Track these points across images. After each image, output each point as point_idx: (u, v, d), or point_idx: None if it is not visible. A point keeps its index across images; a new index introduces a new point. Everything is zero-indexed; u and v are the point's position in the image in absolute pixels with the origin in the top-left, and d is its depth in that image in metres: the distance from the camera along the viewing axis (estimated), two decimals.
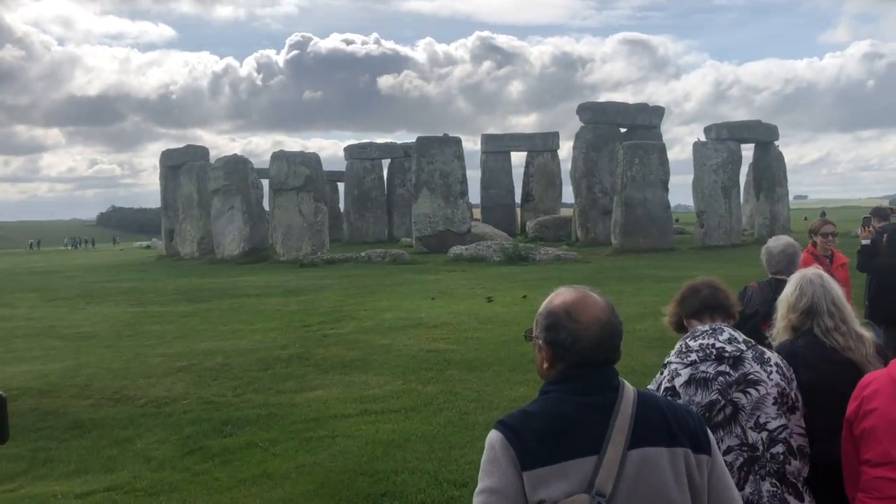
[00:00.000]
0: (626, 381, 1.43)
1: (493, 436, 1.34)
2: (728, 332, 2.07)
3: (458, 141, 21.45)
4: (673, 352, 2.10)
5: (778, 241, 3.40)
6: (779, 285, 2.79)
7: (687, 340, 2.08)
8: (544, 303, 1.46)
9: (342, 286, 12.70)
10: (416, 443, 4.28)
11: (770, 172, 21.08)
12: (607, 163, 21.29)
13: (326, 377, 6.08)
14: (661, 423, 1.39)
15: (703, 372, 1.99)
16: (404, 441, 4.32)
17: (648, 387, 2.13)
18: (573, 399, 1.37)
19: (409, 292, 11.47)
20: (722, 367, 2.00)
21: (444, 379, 5.82)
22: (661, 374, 2.08)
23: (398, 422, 4.73)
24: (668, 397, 1.92)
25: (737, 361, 2.00)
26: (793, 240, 3.46)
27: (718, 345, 2.03)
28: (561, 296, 1.45)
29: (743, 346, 2.04)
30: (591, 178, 21.66)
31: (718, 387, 1.98)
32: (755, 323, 3.05)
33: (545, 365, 1.44)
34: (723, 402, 1.97)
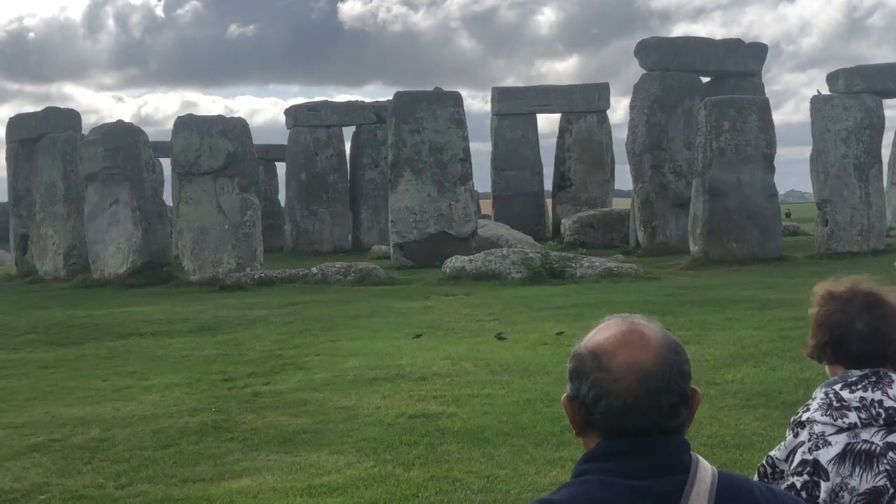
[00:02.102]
0: (701, 458, 1.45)
1: None
2: None
3: (456, 98, 21.60)
4: (814, 405, 2.09)
5: None
6: None
7: (838, 389, 2.07)
8: (580, 341, 1.50)
9: (283, 319, 12.71)
10: None
11: None
12: (682, 129, 21.46)
13: (258, 457, 6.07)
14: None
15: (867, 442, 1.99)
16: None
17: (772, 454, 2.14)
18: (617, 484, 1.38)
19: (383, 327, 11.49)
20: (893, 439, 2.00)
21: (436, 458, 5.83)
22: (795, 436, 2.08)
23: None
24: (806, 476, 1.93)
25: None
26: None
27: (889, 403, 2.02)
28: (603, 331, 1.48)
29: None
30: (657, 152, 21.83)
31: (889, 466, 1.98)
32: None
33: (575, 432, 1.49)
34: (893, 490, 1.97)
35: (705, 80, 23.49)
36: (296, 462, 5.92)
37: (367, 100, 29.88)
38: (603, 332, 1.47)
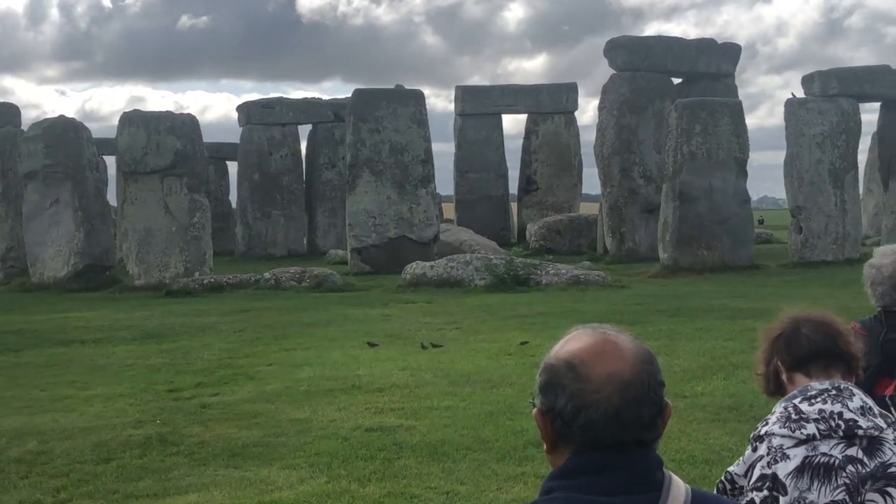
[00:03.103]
0: (674, 476, 1.46)
1: None
2: (860, 396, 2.11)
3: (418, 97, 21.68)
4: (773, 418, 2.12)
5: (891, 256, 3.42)
6: (893, 323, 2.87)
7: (797, 403, 2.10)
8: (549, 352, 1.50)
9: (233, 327, 12.63)
10: None
11: None
12: (652, 132, 21.68)
13: (205, 472, 6.03)
14: None
15: (826, 455, 2.01)
16: None
17: (731, 469, 2.19)
18: (588, 501, 1.39)
19: (339, 336, 11.47)
20: (852, 452, 2.02)
21: (393, 474, 5.83)
22: (753, 451, 2.11)
23: None
24: (766, 491, 1.97)
25: (873, 444, 2.03)
26: None
27: (848, 415, 2.04)
28: (572, 341, 1.48)
29: (881, 422, 2.08)
30: (626, 155, 22.04)
31: (847, 480, 1.99)
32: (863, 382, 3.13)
33: (545, 446, 1.48)
34: None
35: (677, 81, 23.76)
36: (245, 477, 5.88)
37: (325, 97, 29.95)
38: (574, 342, 1.47)
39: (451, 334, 11.29)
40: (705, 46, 24.51)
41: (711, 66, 24.14)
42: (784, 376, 2.22)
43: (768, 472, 2.03)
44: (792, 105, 19.74)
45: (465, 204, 28.98)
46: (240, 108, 29.04)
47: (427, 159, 21.00)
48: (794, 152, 19.27)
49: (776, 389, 2.25)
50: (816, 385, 2.12)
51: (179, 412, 7.69)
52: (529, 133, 29.33)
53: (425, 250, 19.78)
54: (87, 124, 21.10)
